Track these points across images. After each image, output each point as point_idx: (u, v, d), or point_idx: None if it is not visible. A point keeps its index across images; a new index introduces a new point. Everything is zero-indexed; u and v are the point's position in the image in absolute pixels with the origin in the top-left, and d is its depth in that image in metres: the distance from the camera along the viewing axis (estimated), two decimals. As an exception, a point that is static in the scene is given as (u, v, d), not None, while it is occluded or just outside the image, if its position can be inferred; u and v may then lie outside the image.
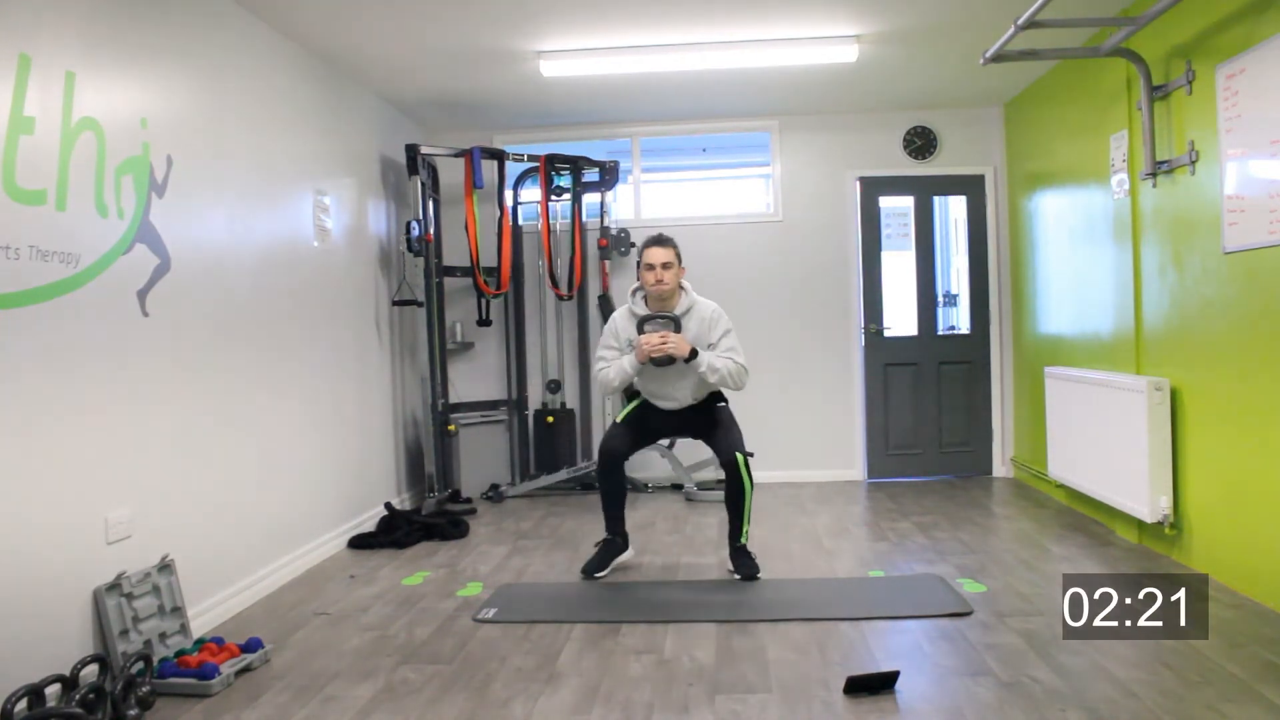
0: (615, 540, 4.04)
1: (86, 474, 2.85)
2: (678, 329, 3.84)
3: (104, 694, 2.54)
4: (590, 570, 3.95)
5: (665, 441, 5.85)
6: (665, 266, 3.85)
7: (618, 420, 4.10)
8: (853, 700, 2.59)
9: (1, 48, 2.55)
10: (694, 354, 3.80)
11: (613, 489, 4.00)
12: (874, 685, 2.65)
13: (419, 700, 2.70)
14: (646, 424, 4.08)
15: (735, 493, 3.88)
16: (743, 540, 3.92)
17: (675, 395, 3.99)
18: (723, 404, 4.05)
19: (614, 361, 3.94)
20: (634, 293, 4.02)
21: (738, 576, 3.86)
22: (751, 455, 5.76)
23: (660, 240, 3.92)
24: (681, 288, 3.96)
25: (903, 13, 4.28)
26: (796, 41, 4.61)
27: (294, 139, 4.34)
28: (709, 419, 4.01)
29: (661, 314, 3.88)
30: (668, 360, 3.81)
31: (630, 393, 4.22)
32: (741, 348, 3.91)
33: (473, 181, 5.53)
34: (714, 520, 5.06)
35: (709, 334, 3.90)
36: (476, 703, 2.66)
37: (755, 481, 3.80)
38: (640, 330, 3.86)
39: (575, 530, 4.91)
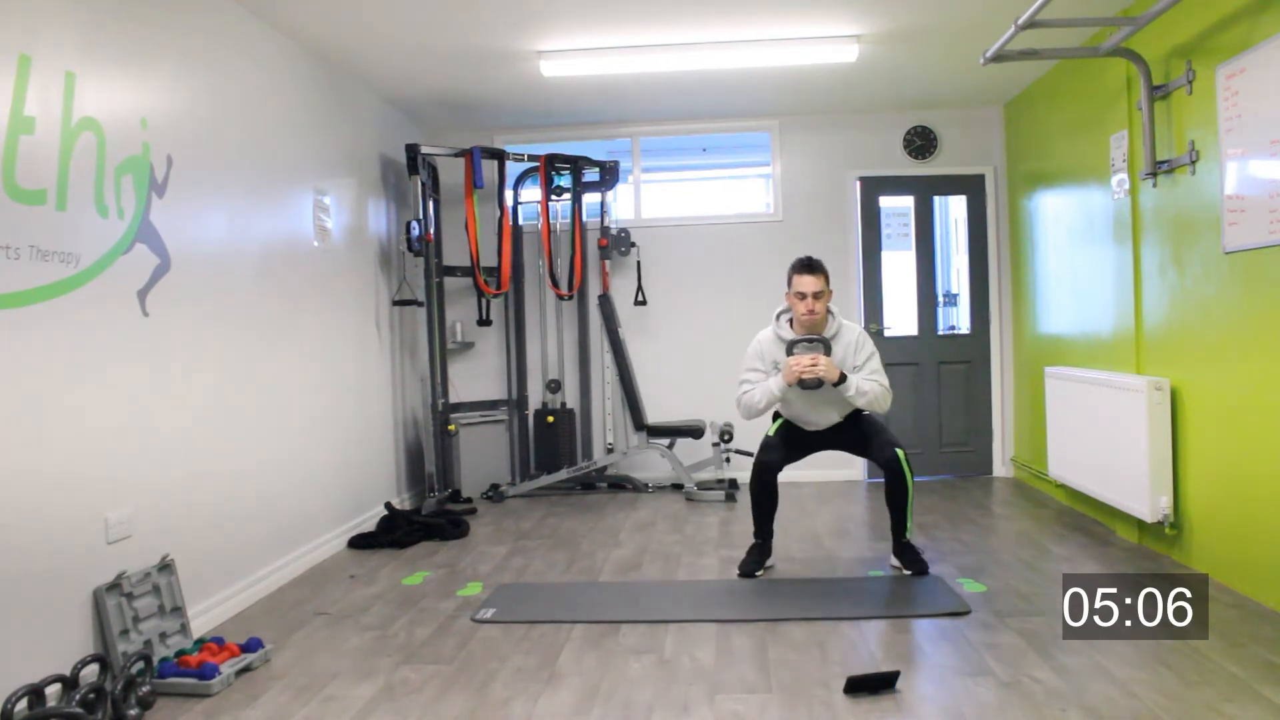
0: (766, 545, 4.00)
1: (86, 474, 2.85)
2: (828, 352, 3.79)
3: (104, 694, 2.54)
4: (749, 571, 3.90)
5: (665, 441, 5.86)
6: (816, 296, 3.76)
7: (770, 434, 4.04)
8: (853, 700, 2.59)
9: (1, 48, 2.55)
10: (843, 378, 3.76)
11: (766, 500, 3.95)
12: (874, 685, 2.64)
13: (419, 700, 2.70)
14: (797, 441, 4.02)
15: (898, 491, 3.82)
16: (908, 536, 3.88)
17: (819, 420, 3.96)
18: (866, 413, 3.99)
19: (759, 384, 3.89)
20: (779, 316, 3.96)
21: (908, 573, 3.83)
22: (752, 455, 5.82)
23: (810, 266, 3.80)
24: (830, 312, 3.89)
25: (903, 13, 4.28)
26: (796, 41, 4.61)
27: (294, 139, 4.34)
28: (858, 430, 3.96)
29: (811, 336, 3.82)
30: (816, 383, 3.76)
31: (774, 414, 4.15)
32: (883, 369, 3.89)
33: (473, 181, 5.53)
34: (714, 520, 5.07)
35: (854, 357, 3.86)
36: (476, 703, 2.66)
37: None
38: (789, 353, 3.80)
39: (575, 530, 4.91)
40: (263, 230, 3.99)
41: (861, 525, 4.88)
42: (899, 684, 2.67)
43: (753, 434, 5.99)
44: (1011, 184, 6.03)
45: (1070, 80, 4.96)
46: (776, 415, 4.12)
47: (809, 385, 3.77)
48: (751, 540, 4.04)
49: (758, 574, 3.91)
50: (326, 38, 4.36)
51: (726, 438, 5.67)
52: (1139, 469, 3.93)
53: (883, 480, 3.87)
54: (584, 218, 6.04)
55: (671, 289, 6.24)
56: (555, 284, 5.91)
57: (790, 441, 4.01)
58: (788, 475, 6.01)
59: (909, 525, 3.87)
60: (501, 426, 6.14)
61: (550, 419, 5.99)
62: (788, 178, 6.25)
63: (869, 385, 3.79)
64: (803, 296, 3.78)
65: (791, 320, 3.91)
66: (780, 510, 5.10)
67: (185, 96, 3.46)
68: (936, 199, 6.33)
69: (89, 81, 2.88)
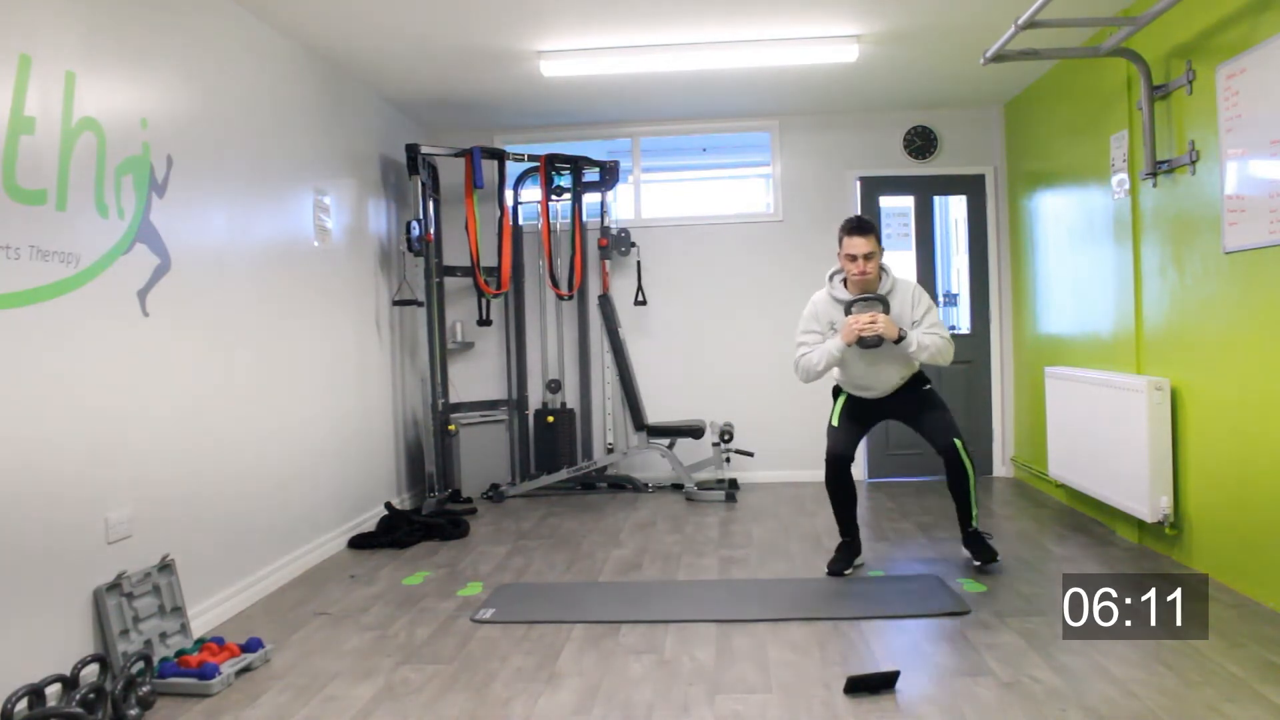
0: (854, 542, 3.96)
1: (86, 474, 2.85)
2: (886, 309, 3.74)
3: (104, 694, 2.54)
4: (837, 569, 3.86)
5: (665, 441, 5.85)
6: (868, 257, 3.72)
7: (833, 424, 3.97)
8: (853, 700, 2.59)
9: (1, 48, 2.55)
10: (902, 334, 3.70)
11: (844, 494, 3.89)
12: (874, 685, 2.64)
13: (419, 700, 2.70)
14: (859, 417, 3.96)
15: (959, 480, 3.78)
16: (974, 525, 3.85)
17: (879, 382, 3.88)
18: (928, 386, 3.96)
19: (817, 346, 3.83)
20: (831, 276, 3.92)
21: (977, 564, 3.79)
22: (752, 454, 5.87)
23: (860, 227, 3.75)
24: (882, 268, 3.84)
25: (903, 13, 4.28)
26: (796, 41, 4.61)
27: (294, 139, 4.34)
28: (918, 401, 3.90)
29: (868, 295, 3.77)
30: (876, 341, 3.69)
31: (833, 390, 4.10)
32: (941, 322, 3.83)
33: (473, 181, 5.53)
34: (714, 520, 5.07)
35: (911, 311, 3.80)
36: (476, 703, 2.66)
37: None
38: (847, 313, 3.75)
39: (575, 530, 4.91)
40: (263, 230, 3.99)
41: (861, 525, 4.85)
42: (899, 684, 2.67)
43: (754, 434, 6.01)
44: (1011, 184, 6.03)
45: (1070, 80, 4.96)
46: (836, 394, 4.05)
47: (869, 344, 3.71)
48: (839, 539, 3.98)
49: (847, 572, 3.86)
50: (326, 38, 4.36)
51: (726, 438, 5.66)
52: (1139, 469, 3.93)
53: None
54: (584, 218, 6.04)
55: (671, 289, 6.24)
56: (555, 284, 5.91)
57: (854, 418, 3.95)
58: (788, 475, 6.07)
59: (974, 513, 3.84)
60: (501, 426, 6.14)
61: (550, 419, 5.99)
62: (788, 178, 6.25)
63: (929, 339, 3.73)
64: (853, 258, 3.74)
65: (845, 280, 3.86)
66: (780, 510, 5.09)
67: (185, 96, 3.46)
68: (936, 199, 6.33)
69: (89, 81, 2.88)
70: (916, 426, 3.94)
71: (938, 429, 3.82)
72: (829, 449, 3.90)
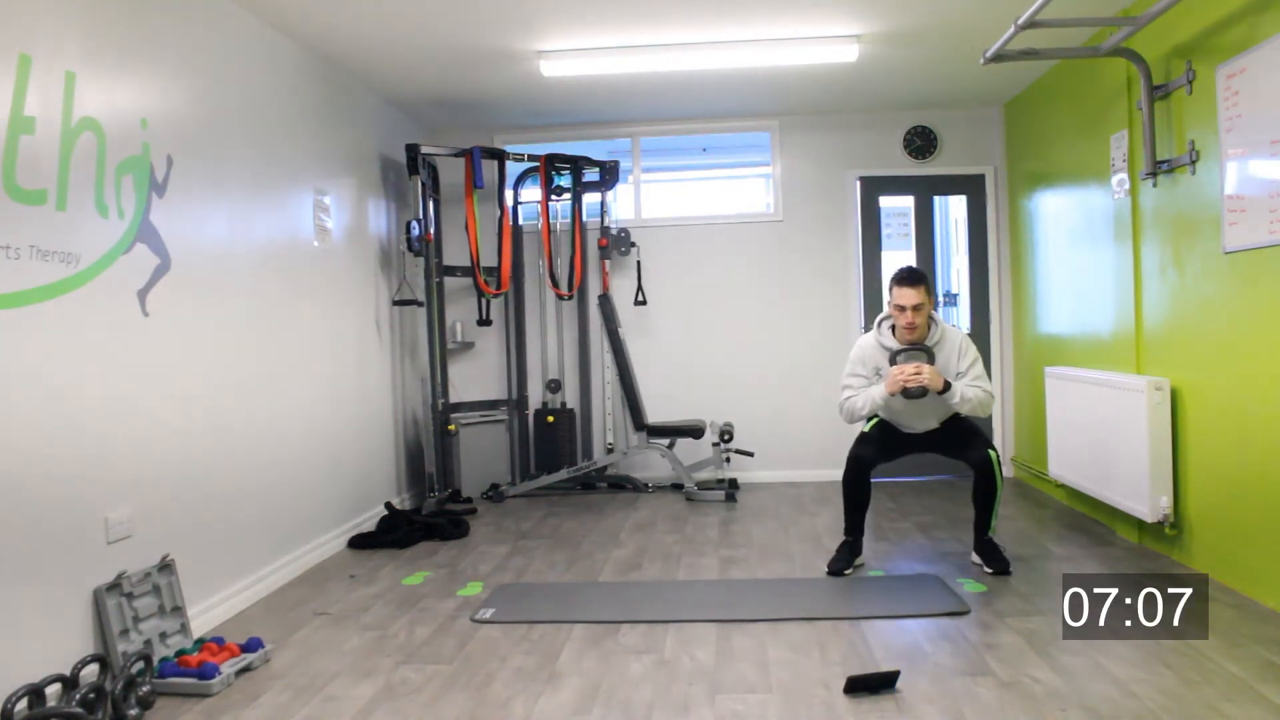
0: (857, 542, 3.97)
1: (86, 474, 2.85)
2: (931, 360, 3.79)
3: (104, 694, 2.54)
4: (838, 569, 3.88)
5: (665, 441, 5.86)
6: (916, 310, 3.77)
7: (866, 431, 4.02)
8: (853, 700, 2.59)
9: (1, 48, 2.56)
10: (946, 385, 3.76)
11: (859, 496, 3.92)
12: (874, 685, 2.64)
13: (419, 700, 2.70)
14: (893, 439, 4.01)
15: (987, 491, 3.81)
16: (990, 533, 3.87)
17: (918, 425, 3.96)
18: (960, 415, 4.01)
19: (862, 390, 3.89)
20: (880, 322, 3.97)
21: (989, 571, 3.80)
22: (752, 454, 5.87)
23: (910, 278, 3.80)
24: (931, 318, 3.89)
25: (903, 13, 4.28)
26: (796, 41, 4.61)
27: (294, 139, 4.34)
28: (955, 431, 3.95)
29: (915, 345, 3.82)
30: (921, 392, 3.75)
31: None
32: (985, 373, 3.88)
33: (473, 181, 5.53)
34: (714, 520, 5.07)
35: (957, 363, 3.85)
36: (476, 703, 2.66)
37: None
38: (893, 362, 3.81)
39: (575, 530, 4.91)
40: (263, 230, 3.99)
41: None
42: (899, 684, 2.67)
43: (754, 434, 6.01)
44: (1011, 184, 6.03)
45: (1070, 80, 4.96)
46: (871, 415, 4.08)
47: (913, 395, 3.77)
48: (842, 538, 4.00)
49: (847, 572, 3.88)
50: (326, 38, 4.36)
51: (726, 438, 5.66)
52: (1139, 469, 3.93)
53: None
54: (584, 218, 6.04)
55: (671, 289, 6.24)
56: (555, 284, 5.91)
57: (887, 440, 3.99)
58: (788, 475, 6.08)
59: (993, 524, 3.87)
60: (501, 426, 6.14)
61: (550, 419, 5.99)
62: (788, 178, 6.25)
63: (973, 392, 3.78)
64: (902, 310, 3.78)
65: (894, 327, 3.90)
66: (780, 510, 5.10)
67: (185, 96, 3.46)
68: (936, 199, 6.33)
69: (89, 81, 2.88)
70: (953, 453, 3.96)
71: (974, 449, 3.85)
72: (855, 451, 3.92)
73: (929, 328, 3.88)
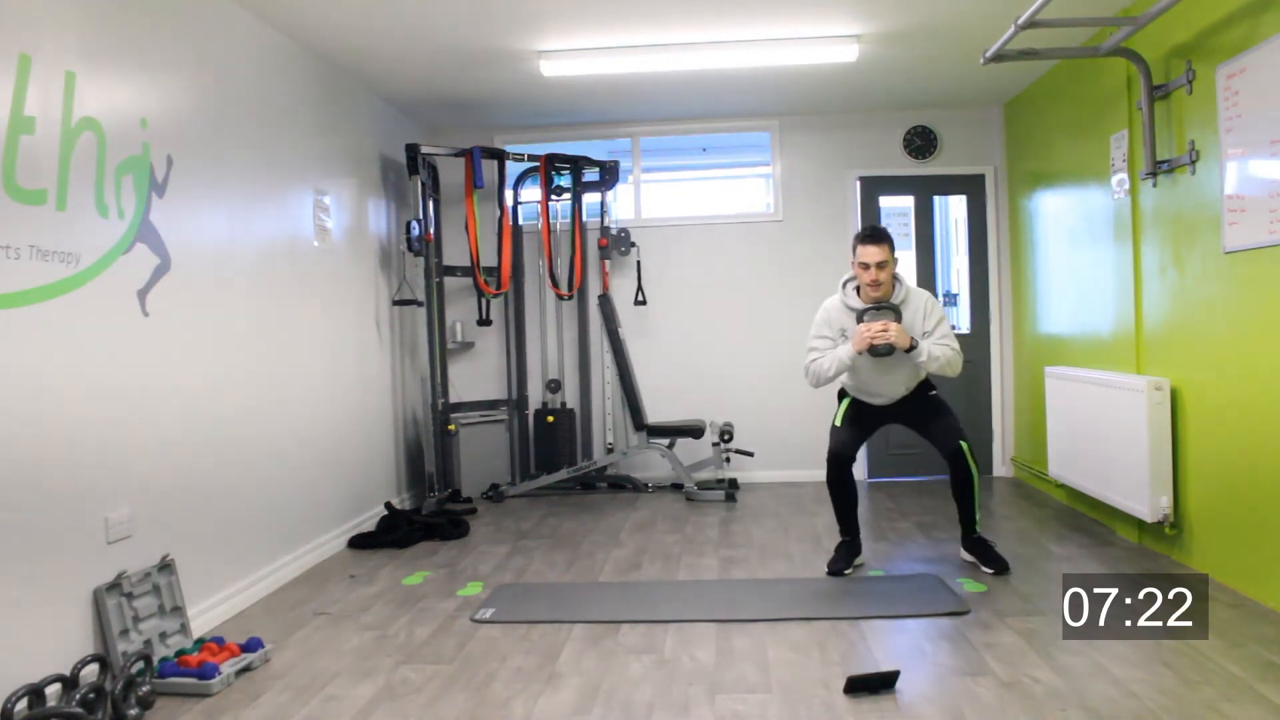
0: (854, 541, 3.97)
1: (86, 474, 2.85)
2: (898, 318, 3.76)
3: (104, 693, 2.54)
4: (837, 569, 3.87)
5: (665, 441, 5.86)
6: (880, 266, 3.74)
7: (836, 424, 4.01)
8: (853, 700, 2.59)
9: (1, 48, 2.56)
10: (913, 344, 3.73)
11: (846, 494, 3.91)
12: (874, 685, 2.65)
13: (419, 700, 2.70)
14: (863, 421, 4.00)
15: (963, 482, 3.81)
16: (977, 530, 3.87)
17: (887, 389, 3.92)
18: (934, 392, 3.99)
19: (828, 352, 3.85)
20: (845, 284, 3.93)
21: (989, 571, 3.78)
22: (752, 454, 5.87)
23: (874, 236, 3.78)
24: (896, 278, 3.86)
25: (903, 13, 4.28)
26: (796, 41, 4.61)
27: (294, 139, 4.34)
28: (924, 407, 3.93)
29: (881, 304, 3.79)
30: (888, 350, 3.72)
31: (839, 393, 4.14)
32: (952, 333, 3.85)
33: (473, 181, 5.53)
34: (714, 520, 5.07)
35: (923, 322, 3.82)
36: (476, 703, 2.67)
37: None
38: (859, 321, 3.78)
39: (575, 530, 4.91)
40: (263, 230, 3.99)
41: (862, 525, 4.86)
42: (899, 684, 2.67)
43: (754, 434, 6.01)
44: (1011, 184, 6.03)
45: (1070, 80, 4.96)
46: (841, 396, 4.08)
47: (880, 352, 3.74)
48: (839, 539, 4.00)
49: (847, 572, 3.87)
50: (327, 37, 4.36)
51: (726, 437, 5.66)
52: (1139, 469, 3.93)
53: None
54: (584, 218, 6.04)
55: (671, 289, 6.24)
56: (555, 284, 5.91)
57: (858, 421, 3.98)
58: (788, 475, 6.07)
59: (977, 517, 3.85)
60: (501, 426, 6.14)
61: (550, 419, 5.99)
62: (788, 178, 6.25)
63: (940, 350, 3.75)
64: (866, 267, 3.76)
65: (858, 288, 3.88)
66: (780, 510, 5.10)
67: (185, 96, 3.46)
68: (936, 199, 6.33)
69: (89, 81, 2.88)
70: (922, 431, 3.96)
71: (944, 433, 3.84)
72: (831, 448, 3.92)
73: (894, 287, 3.85)
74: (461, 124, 6.14)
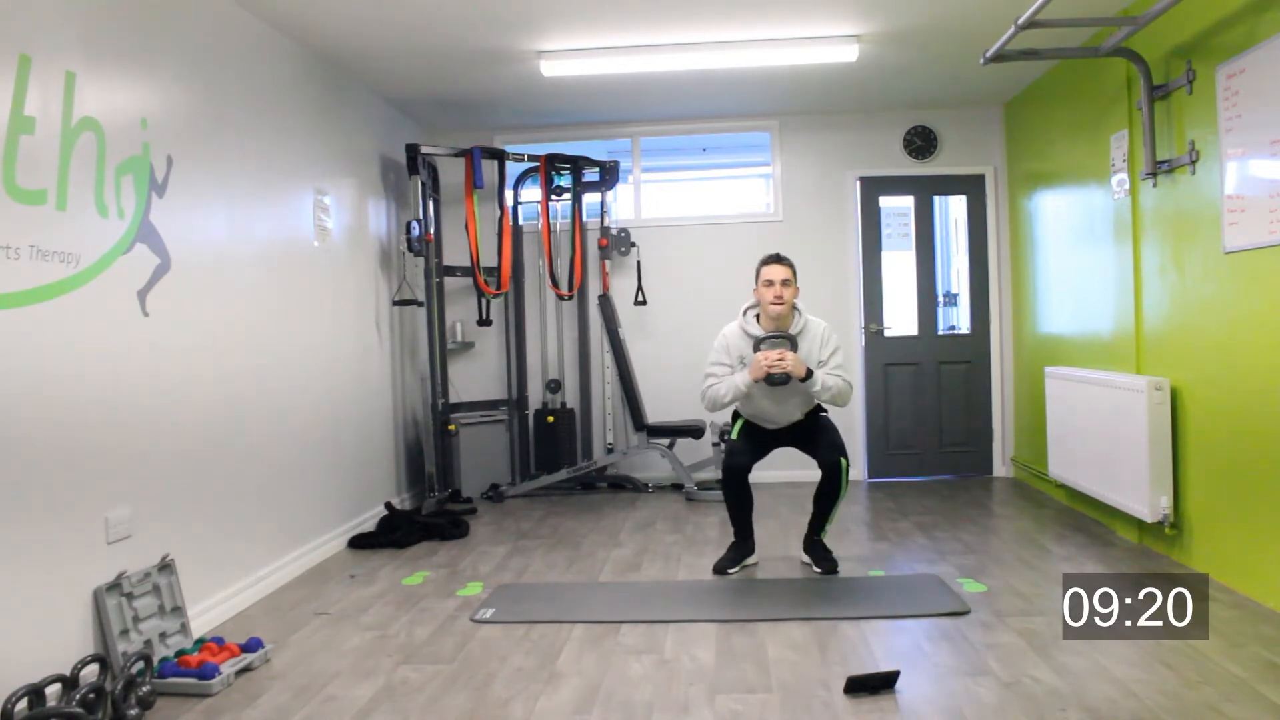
0: (745, 544, 4.05)
1: (87, 474, 2.85)
2: (794, 348, 3.83)
3: (104, 694, 2.54)
4: (722, 568, 3.96)
5: (665, 441, 5.86)
6: (785, 284, 3.85)
7: (732, 436, 4.11)
8: (853, 700, 2.59)
9: (1, 48, 2.55)
10: (809, 374, 3.81)
11: (741, 502, 4.00)
12: (874, 685, 2.65)
13: (419, 700, 2.70)
14: (757, 439, 4.08)
15: (830, 493, 3.91)
16: (823, 535, 3.97)
17: (780, 416, 4.00)
18: (824, 413, 4.09)
19: (725, 378, 3.93)
20: (746, 311, 4.02)
21: (818, 571, 3.89)
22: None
23: (779, 258, 3.93)
24: (795, 308, 3.96)
25: (903, 13, 4.28)
26: (796, 41, 4.61)
27: (294, 139, 4.34)
28: (813, 427, 4.02)
29: (778, 333, 3.87)
30: (784, 379, 3.80)
31: (733, 413, 4.22)
32: (846, 364, 3.97)
33: (473, 181, 5.53)
34: (714, 520, 5.07)
35: (819, 351, 3.91)
36: (476, 703, 2.67)
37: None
38: (756, 349, 3.86)
39: (575, 530, 4.91)
40: (263, 230, 3.99)
41: (861, 525, 4.89)
42: (899, 684, 2.67)
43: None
44: (1011, 184, 6.03)
45: (1070, 80, 4.96)
46: (736, 416, 4.17)
47: (776, 380, 3.82)
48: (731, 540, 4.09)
49: (731, 571, 3.96)
50: (327, 37, 4.36)
51: (726, 437, 5.66)
52: (1139, 469, 3.93)
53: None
54: (584, 218, 6.04)
55: (671, 289, 6.24)
56: (555, 284, 5.91)
57: (754, 442, 4.07)
58: (788, 475, 6.07)
59: (827, 527, 3.98)
60: (501, 426, 6.14)
61: (550, 419, 5.99)
62: (788, 178, 6.25)
63: (833, 380, 3.85)
64: (770, 284, 3.86)
65: (759, 316, 3.96)
66: (780, 510, 5.11)
67: (185, 96, 3.46)
68: (936, 199, 6.33)
69: (89, 81, 2.88)
70: (808, 448, 4.03)
71: (827, 449, 3.92)
72: (726, 461, 4.01)
73: (793, 317, 3.93)
74: (461, 124, 6.14)
